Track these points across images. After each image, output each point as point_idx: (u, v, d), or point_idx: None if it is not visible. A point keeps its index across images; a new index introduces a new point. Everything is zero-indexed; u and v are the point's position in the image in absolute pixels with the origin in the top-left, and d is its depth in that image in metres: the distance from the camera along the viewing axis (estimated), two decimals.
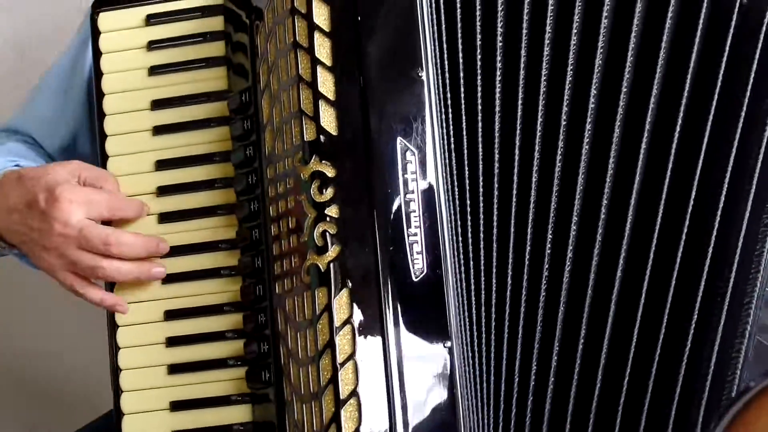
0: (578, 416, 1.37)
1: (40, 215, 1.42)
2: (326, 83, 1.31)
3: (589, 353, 1.36)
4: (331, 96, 1.31)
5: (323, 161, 1.30)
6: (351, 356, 1.27)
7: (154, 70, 1.51)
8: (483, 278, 1.34)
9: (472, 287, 1.33)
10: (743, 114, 1.32)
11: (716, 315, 1.34)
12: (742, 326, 1.34)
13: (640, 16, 1.33)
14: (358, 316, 1.28)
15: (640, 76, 1.35)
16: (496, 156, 1.34)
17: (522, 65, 1.35)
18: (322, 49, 1.32)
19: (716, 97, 1.33)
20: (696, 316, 1.34)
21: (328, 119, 1.31)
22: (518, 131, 1.34)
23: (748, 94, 1.32)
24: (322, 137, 1.30)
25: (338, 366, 1.27)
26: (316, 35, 1.32)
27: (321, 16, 1.32)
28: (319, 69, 1.31)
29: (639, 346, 1.36)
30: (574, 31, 1.35)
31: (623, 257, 1.35)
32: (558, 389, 1.37)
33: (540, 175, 1.35)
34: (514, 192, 1.34)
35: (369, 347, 1.28)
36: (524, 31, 1.35)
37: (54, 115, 1.69)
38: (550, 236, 1.35)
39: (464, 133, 1.34)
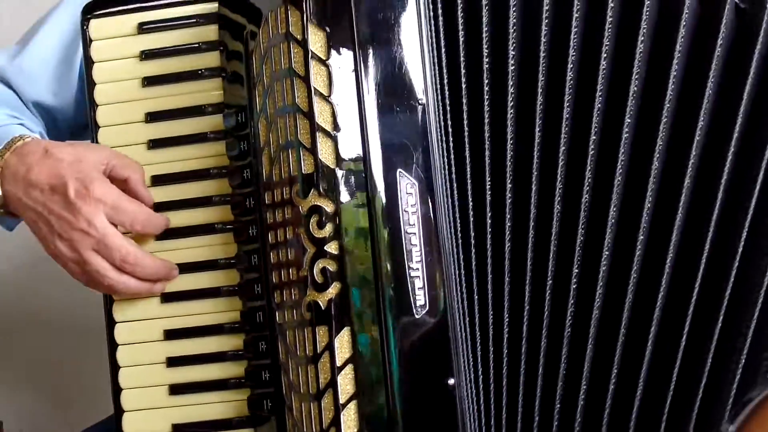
0: None
1: (66, 204, 1.39)
2: (323, 114, 1.28)
3: (620, 396, 1.34)
4: (328, 127, 1.28)
5: (322, 196, 1.27)
6: (353, 397, 1.27)
7: (147, 81, 1.47)
8: (492, 312, 1.31)
9: (477, 322, 1.31)
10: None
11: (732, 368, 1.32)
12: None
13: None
14: (359, 356, 1.27)
15: (685, 102, 1.32)
16: (509, 185, 1.31)
17: (540, 90, 1.32)
18: (319, 77, 1.29)
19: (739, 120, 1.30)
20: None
21: (326, 152, 1.28)
22: (536, 158, 1.31)
23: None
24: (320, 170, 1.27)
25: (340, 407, 1.27)
26: (312, 63, 1.29)
27: (317, 43, 1.29)
28: (315, 99, 1.29)
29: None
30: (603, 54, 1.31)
31: (662, 295, 1.33)
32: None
33: (564, 206, 1.32)
34: (531, 224, 1.32)
35: (372, 388, 1.26)
36: (542, 55, 1.31)
37: (43, 76, 1.64)
38: (576, 270, 1.32)
39: (468, 162, 1.31)
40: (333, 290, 1.27)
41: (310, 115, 1.28)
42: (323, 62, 1.28)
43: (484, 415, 1.31)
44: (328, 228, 1.27)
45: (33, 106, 1.64)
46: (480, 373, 1.31)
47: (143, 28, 1.48)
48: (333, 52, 1.29)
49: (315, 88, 1.28)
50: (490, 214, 1.32)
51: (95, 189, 1.38)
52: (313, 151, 1.28)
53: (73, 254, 1.41)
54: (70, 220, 1.39)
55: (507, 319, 1.32)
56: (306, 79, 1.29)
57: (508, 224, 1.32)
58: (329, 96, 1.29)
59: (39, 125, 1.61)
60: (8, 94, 1.63)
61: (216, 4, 1.47)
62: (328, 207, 1.28)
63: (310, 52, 1.29)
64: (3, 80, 1.65)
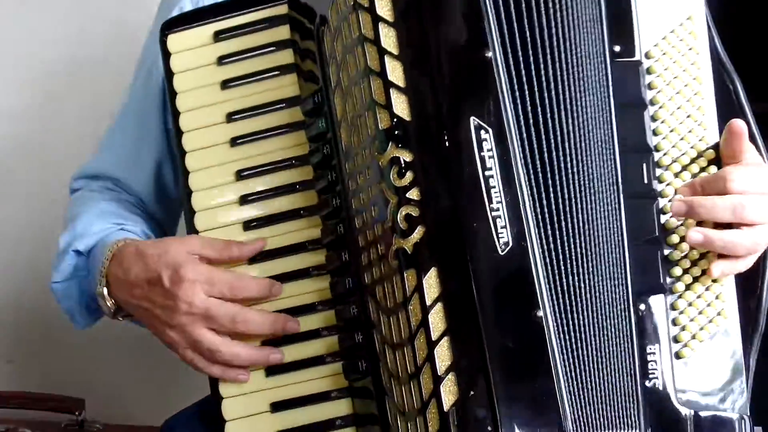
0: None
1: (164, 293, 1.49)
2: (395, 71, 1.37)
3: None
4: (401, 83, 1.36)
5: (399, 147, 1.35)
6: (445, 333, 1.32)
7: (226, 84, 1.57)
8: (571, 246, 1.36)
9: (561, 255, 1.36)
10: None
11: None
12: None
13: None
14: (448, 293, 1.32)
15: None
16: None
17: None
18: (388, 39, 1.37)
19: None
20: None
21: (401, 106, 1.36)
22: None
23: None
24: (396, 124, 1.35)
25: (434, 343, 1.31)
26: (381, 26, 1.37)
27: (384, 7, 1.38)
28: (386, 58, 1.37)
29: None
30: None
31: None
32: None
33: None
34: None
35: (461, 322, 1.32)
36: None
37: (134, 148, 1.78)
38: None
39: (539, 105, 1.37)
40: (417, 234, 1.34)
41: (383, 74, 1.36)
42: (391, 24, 1.37)
43: (570, 344, 1.35)
44: (408, 176, 1.35)
45: (147, 187, 1.78)
46: (568, 304, 1.35)
47: (219, 37, 1.59)
48: (400, 13, 1.37)
49: (385, 49, 1.37)
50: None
51: (187, 272, 1.47)
52: (388, 107, 1.36)
53: (184, 338, 1.50)
54: (172, 307, 1.48)
55: (581, 249, 1.37)
56: (376, 41, 1.37)
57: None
58: (399, 55, 1.36)
59: (140, 224, 1.72)
60: (111, 206, 1.74)
61: (285, 6, 1.57)
62: (407, 156, 1.35)
63: (378, 17, 1.37)
64: (107, 177, 1.80)
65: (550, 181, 1.38)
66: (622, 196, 1.39)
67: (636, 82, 1.42)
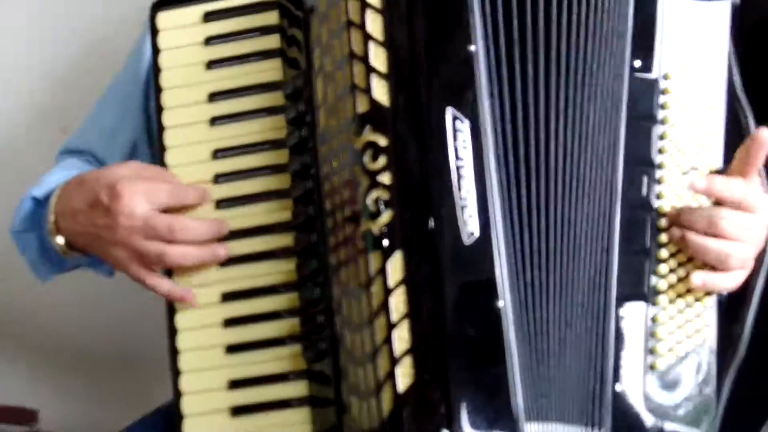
0: None
1: (105, 211, 1.50)
2: (378, 57, 1.39)
3: None
4: (383, 69, 1.39)
5: (376, 131, 1.37)
6: (405, 316, 1.34)
7: (211, 64, 1.59)
8: (536, 240, 1.38)
9: (529, 251, 1.38)
10: None
11: None
12: None
13: None
14: (411, 278, 1.34)
15: None
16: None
17: None
18: (374, 25, 1.40)
19: None
20: None
21: (380, 91, 1.39)
22: None
23: None
24: (374, 109, 1.37)
25: (393, 325, 1.33)
26: (368, 12, 1.40)
27: None
28: (371, 44, 1.40)
29: None
30: None
31: None
32: None
33: None
34: None
35: (422, 306, 1.34)
36: None
37: (114, 124, 1.80)
38: None
39: (520, 103, 1.40)
40: (386, 217, 1.36)
41: (365, 59, 1.39)
42: (378, 11, 1.40)
43: (530, 337, 1.37)
44: (382, 160, 1.37)
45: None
46: (530, 297, 1.37)
47: (208, 17, 1.61)
48: (388, 1, 1.40)
49: (370, 35, 1.39)
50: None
51: (123, 187, 1.49)
52: (367, 91, 1.38)
53: (129, 252, 1.51)
54: (112, 224, 1.50)
55: (554, 247, 1.39)
56: (362, 27, 1.40)
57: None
58: (384, 42, 1.39)
59: None
60: (79, 163, 1.77)
61: None
62: (382, 141, 1.37)
63: (366, 3, 1.40)
64: (88, 152, 1.81)
65: (524, 178, 1.40)
66: (619, 204, 1.42)
67: (650, 98, 1.44)
